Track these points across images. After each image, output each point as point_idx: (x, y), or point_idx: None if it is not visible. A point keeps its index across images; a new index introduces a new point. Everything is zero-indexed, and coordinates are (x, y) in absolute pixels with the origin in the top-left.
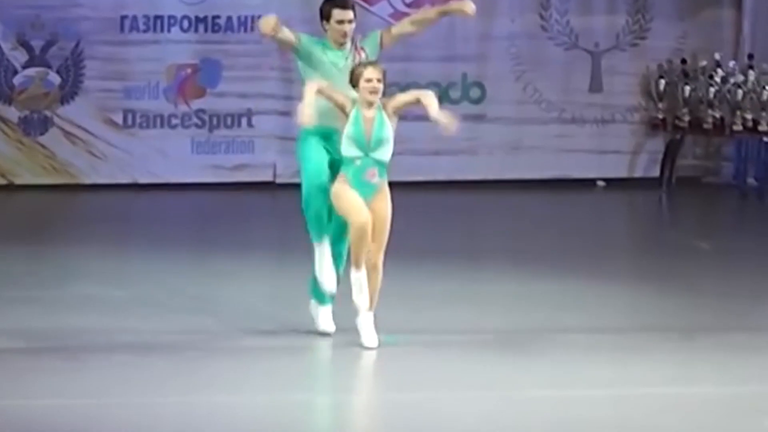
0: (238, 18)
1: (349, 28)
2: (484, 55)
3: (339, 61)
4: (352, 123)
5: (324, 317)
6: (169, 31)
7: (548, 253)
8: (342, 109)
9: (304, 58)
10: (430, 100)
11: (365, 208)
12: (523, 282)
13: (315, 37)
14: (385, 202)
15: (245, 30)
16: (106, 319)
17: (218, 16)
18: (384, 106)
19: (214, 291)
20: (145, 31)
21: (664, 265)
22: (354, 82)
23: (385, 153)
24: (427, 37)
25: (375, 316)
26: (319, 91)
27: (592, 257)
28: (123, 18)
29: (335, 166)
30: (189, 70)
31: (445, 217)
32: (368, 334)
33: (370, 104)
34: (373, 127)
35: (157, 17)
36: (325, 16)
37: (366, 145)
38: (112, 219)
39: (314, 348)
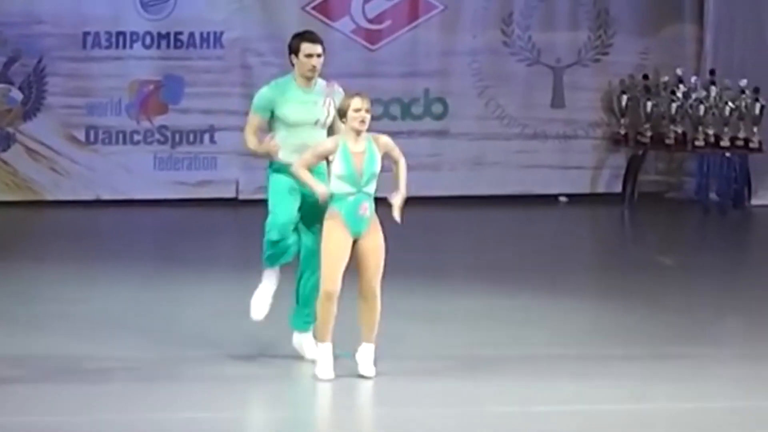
0: (201, 34)
1: (317, 62)
2: (446, 71)
3: (307, 102)
4: (342, 163)
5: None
6: (131, 47)
7: (511, 269)
8: (328, 157)
9: (273, 115)
10: (402, 175)
11: (340, 276)
12: (486, 298)
13: (274, 82)
14: (378, 234)
15: (208, 46)
16: (68, 337)
17: (181, 33)
18: (375, 140)
19: (176, 308)
20: (107, 48)
21: (627, 281)
22: (342, 112)
23: (375, 186)
24: (389, 53)
25: (335, 334)
26: (307, 166)
27: (554, 273)
28: (85, 34)
29: (308, 200)
30: (151, 87)
31: (407, 233)
32: (366, 365)
33: (357, 134)
34: (364, 161)
35: (119, 33)
36: (293, 50)
37: (358, 181)
38: (75, 235)
39: (277, 366)
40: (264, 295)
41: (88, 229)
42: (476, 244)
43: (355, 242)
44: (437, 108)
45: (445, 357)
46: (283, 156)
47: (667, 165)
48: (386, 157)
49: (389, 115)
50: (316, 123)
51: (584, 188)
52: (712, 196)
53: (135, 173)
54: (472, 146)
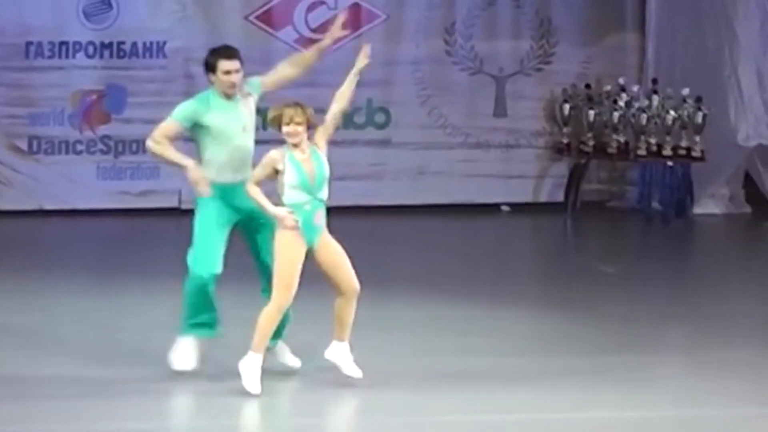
0: (144, 44)
1: (236, 77)
2: (388, 80)
3: (230, 110)
4: (293, 171)
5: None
6: (74, 57)
7: (453, 279)
8: (276, 168)
9: (195, 129)
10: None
11: (295, 288)
12: (429, 307)
13: (196, 97)
14: (330, 237)
15: (151, 56)
16: (8, 350)
17: (123, 42)
18: (316, 143)
19: (119, 318)
20: (50, 57)
21: (569, 290)
22: (274, 124)
23: (326, 191)
24: (331, 62)
25: (285, 343)
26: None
27: (497, 282)
28: (28, 44)
29: (247, 219)
30: (94, 96)
31: (349, 242)
32: (350, 366)
33: (295, 146)
34: (313, 167)
35: (62, 43)
36: (210, 68)
37: (311, 188)
38: (17, 245)
39: (222, 377)
40: (187, 356)
41: (31, 239)
42: (419, 253)
43: (309, 253)
44: (380, 117)
45: (387, 366)
46: (217, 175)
47: (610, 174)
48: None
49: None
50: (243, 129)
51: (527, 197)
52: (655, 205)
53: (78, 183)
54: (415, 155)
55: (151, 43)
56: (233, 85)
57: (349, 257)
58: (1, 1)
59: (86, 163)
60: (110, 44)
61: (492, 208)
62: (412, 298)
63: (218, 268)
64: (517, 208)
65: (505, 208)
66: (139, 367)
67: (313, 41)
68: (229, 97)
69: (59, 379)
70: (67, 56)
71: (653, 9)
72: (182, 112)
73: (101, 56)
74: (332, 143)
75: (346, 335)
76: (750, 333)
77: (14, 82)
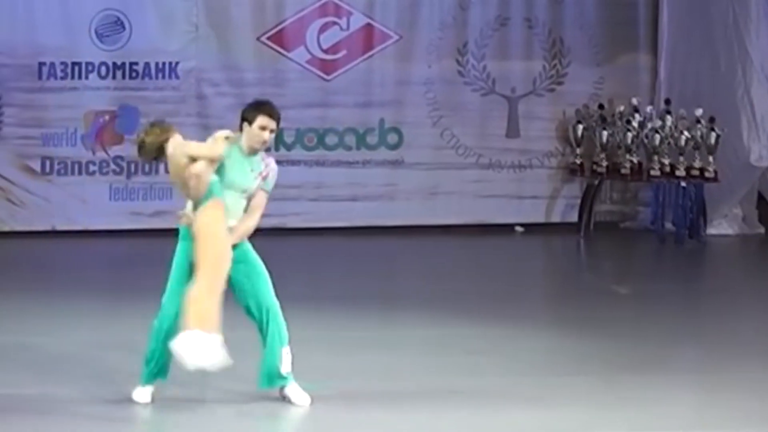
0: (156, 64)
1: (269, 137)
2: (401, 100)
3: (245, 165)
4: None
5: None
6: (86, 77)
7: (466, 298)
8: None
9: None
10: None
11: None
12: (441, 327)
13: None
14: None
15: (163, 77)
16: (22, 372)
17: (136, 63)
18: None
19: (132, 339)
20: (63, 78)
21: (582, 310)
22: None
23: None
24: (344, 82)
25: (294, 358)
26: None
27: (509, 302)
28: (41, 65)
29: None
30: (107, 117)
31: (363, 262)
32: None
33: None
34: None
35: (74, 64)
36: (248, 119)
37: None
38: (30, 266)
39: (225, 401)
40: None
41: (44, 259)
42: (431, 273)
43: None
44: (392, 138)
45: (399, 386)
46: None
47: (623, 194)
48: None
49: (344, 145)
50: (243, 192)
51: (539, 218)
52: (668, 225)
53: (90, 204)
54: (427, 176)
55: (164, 63)
56: (264, 143)
57: (360, 277)
58: (13, 22)
59: (99, 184)
60: (123, 65)
61: (504, 229)
62: (423, 318)
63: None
64: (529, 228)
65: (518, 228)
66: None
67: (324, 62)
68: (253, 152)
69: (69, 400)
70: (79, 77)
71: (665, 29)
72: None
73: (114, 77)
74: (345, 163)
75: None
76: (763, 353)
77: (27, 103)
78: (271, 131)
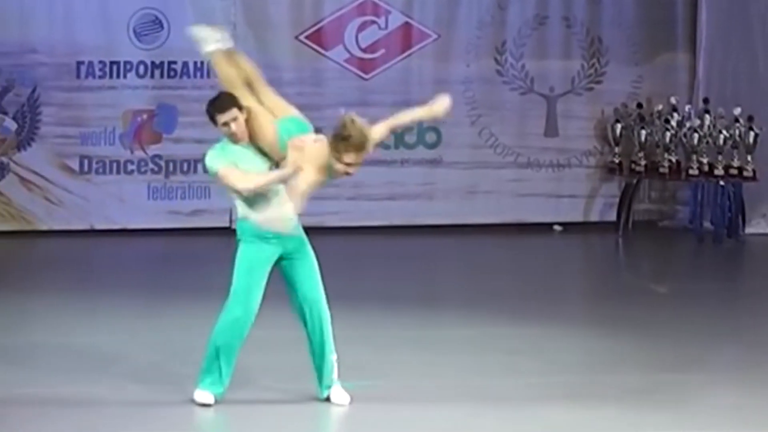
0: (194, 63)
1: (236, 125)
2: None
3: (247, 151)
4: None
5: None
6: (125, 76)
7: (504, 298)
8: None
9: None
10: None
11: None
12: (480, 326)
13: (215, 147)
14: None
15: (201, 75)
16: (59, 370)
17: (174, 62)
18: None
19: (170, 338)
20: (101, 77)
21: (621, 309)
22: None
23: None
24: (382, 81)
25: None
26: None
27: (548, 301)
28: (79, 64)
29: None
30: (145, 116)
31: (401, 262)
32: None
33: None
34: None
35: (113, 63)
36: (211, 119)
37: None
38: (68, 265)
39: (267, 400)
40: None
41: (82, 258)
42: (470, 272)
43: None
44: (430, 137)
45: (438, 385)
46: (262, 218)
47: (661, 194)
48: None
49: (382, 144)
50: (270, 168)
51: (577, 217)
52: (706, 224)
53: (129, 203)
54: (466, 175)
55: (202, 62)
56: (234, 134)
57: (398, 276)
58: (52, 21)
59: (137, 183)
60: (161, 64)
61: (543, 228)
62: (462, 317)
63: (258, 299)
64: (568, 227)
65: (557, 227)
66: (188, 387)
67: (363, 60)
68: (240, 142)
69: (107, 400)
70: (118, 76)
71: (704, 28)
72: (221, 156)
73: (152, 76)
74: (383, 162)
75: None
76: None
77: (65, 102)
78: (234, 119)
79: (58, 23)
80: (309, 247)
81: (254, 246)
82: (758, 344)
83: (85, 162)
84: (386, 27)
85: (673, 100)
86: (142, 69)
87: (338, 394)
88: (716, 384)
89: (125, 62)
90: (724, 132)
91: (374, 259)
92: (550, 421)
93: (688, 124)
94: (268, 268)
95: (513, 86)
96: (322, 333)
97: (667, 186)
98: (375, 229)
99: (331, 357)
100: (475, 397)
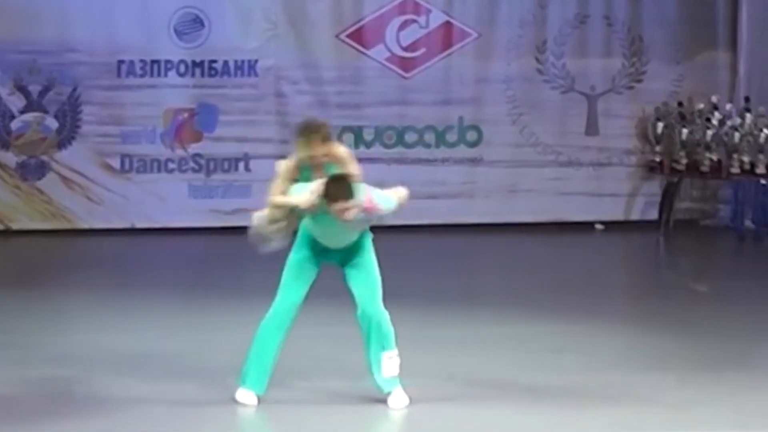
0: (235, 62)
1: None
2: (480, 98)
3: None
4: None
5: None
6: (165, 75)
7: (547, 296)
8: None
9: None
10: None
11: None
12: (522, 324)
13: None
14: None
15: (242, 74)
16: (100, 368)
17: (215, 61)
18: None
19: (211, 337)
20: (141, 76)
21: (662, 307)
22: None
23: None
24: (423, 80)
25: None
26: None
27: (590, 299)
28: (120, 62)
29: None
30: (186, 115)
31: (442, 260)
32: None
33: None
34: None
35: (153, 62)
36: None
37: None
38: (108, 264)
39: (307, 400)
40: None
41: (122, 257)
42: (511, 271)
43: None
44: (471, 135)
45: (481, 383)
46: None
47: (702, 192)
48: None
49: (423, 142)
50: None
51: (618, 216)
52: (747, 223)
53: (169, 201)
54: (506, 173)
55: (242, 61)
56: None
57: (440, 274)
58: (92, 20)
59: (177, 182)
60: (201, 63)
61: (584, 227)
62: (504, 315)
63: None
64: (609, 226)
65: (599, 226)
66: (229, 385)
67: (403, 59)
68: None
69: (146, 398)
70: (158, 75)
71: (745, 27)
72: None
73: (192, 75)
74: (424, 161)
75: None
76: None
77: (106, 101)
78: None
79: (99, 22)
80: (367, 255)
81: (303, 247)
82: None
83: (126, 161)
84: (427, 26)
85: (713, 99)
86: (182, 68)
87: (395, 397)
88: (757, 382)
89: (166, 61)
90: (765, 130)
91: (415, 258)
92: (595, 418)
93: (729, 123)
94: (313, 269)
95: (554, 85)
96: (375, 340)
97: (708, 185)
98: (416, 227)
99: (382, 354)
100: (519, 395)
